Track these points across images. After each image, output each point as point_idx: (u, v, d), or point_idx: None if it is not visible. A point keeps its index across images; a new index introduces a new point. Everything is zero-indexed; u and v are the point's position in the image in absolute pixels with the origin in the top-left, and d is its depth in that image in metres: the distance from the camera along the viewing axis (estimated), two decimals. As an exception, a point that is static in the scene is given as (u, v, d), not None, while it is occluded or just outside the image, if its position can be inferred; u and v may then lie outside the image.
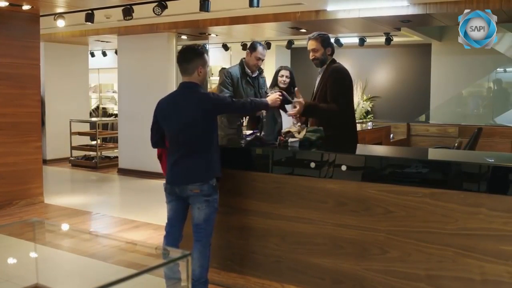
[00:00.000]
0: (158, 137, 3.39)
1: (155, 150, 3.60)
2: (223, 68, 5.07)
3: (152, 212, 5.82)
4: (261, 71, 4.92)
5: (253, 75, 4.81)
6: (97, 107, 13.30)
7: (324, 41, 3.99)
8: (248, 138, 4.05)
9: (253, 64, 4.73)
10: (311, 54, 4.01)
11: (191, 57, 3.25)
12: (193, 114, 3.19)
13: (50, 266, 3.15)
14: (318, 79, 4.06)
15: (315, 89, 4.08)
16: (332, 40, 4.17)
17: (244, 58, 4.82)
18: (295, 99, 3.75)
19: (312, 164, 3.27)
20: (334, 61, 4.02)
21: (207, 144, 3.25)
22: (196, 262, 3.21)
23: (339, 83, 3.89)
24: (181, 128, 3.22)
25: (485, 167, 2.78)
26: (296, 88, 3.87)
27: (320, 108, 3.87)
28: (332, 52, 4.03)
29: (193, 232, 3.26)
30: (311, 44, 4.00)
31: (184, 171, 3.24)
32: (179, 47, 8.94)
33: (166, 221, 3.37)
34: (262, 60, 4.76)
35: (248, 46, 4.82)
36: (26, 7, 6.03)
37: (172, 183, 3.28)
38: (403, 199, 2.96)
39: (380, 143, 7.46)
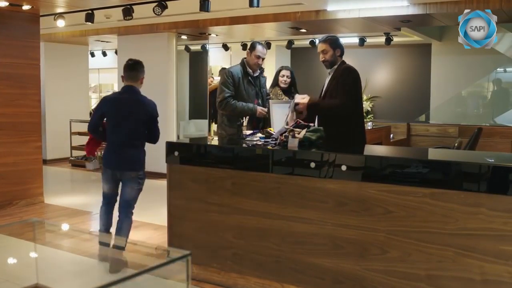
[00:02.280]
0: (99, 125, 4.14)
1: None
2: (223, 68, 5.09)
3: (152, 212, 5.82)
4: (262, 70, 4.94)
5: (255, 75, 4.83)
6: (97, 107, 13.29)
7: (332, 42, 4.09)
8: (248, 138, 4.05)
9: (254, 63, 4.76)
10: (320, 56, 4.13)
11: (140, 68, 4.10)
12: (145, 115, 4.02)
13: (50, 266, 3.15)
14: (328, 79, 4.14)
15: (324, 88, 4.17)
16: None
17: (245, 58, 4.84)
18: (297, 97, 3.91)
19: (312, 164, 3.26)
20: (344, 62, 4.13)
21: (144, 139, 4.11)
22: (126, 228, 4.17)
23: (348, 81, 3.99)
24: (135, 123, 3.99)
25: (485, 167, 2.78)
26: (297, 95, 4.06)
27: (321, 106, 4.02)
28: (342, 53, 4.13)
29: (122, 206, 4.14)
30: (321, 47, 4.14)
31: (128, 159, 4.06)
32: (179, 47, 8.95)
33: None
34: (263, 58, 4.79)
35: (248, 46, 4.87)
36: (26, 7, 6.03)
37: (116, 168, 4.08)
38: (403, 199, 2.96)
39: (380, 143, 7.46)
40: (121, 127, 4.00)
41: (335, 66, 4.10)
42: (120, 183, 4.15)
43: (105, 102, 4.13)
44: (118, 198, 4.22)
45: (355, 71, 4.07)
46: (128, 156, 4.03)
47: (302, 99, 3.96)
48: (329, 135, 3.72)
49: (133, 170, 4.05)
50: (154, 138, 4.14)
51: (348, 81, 4.00)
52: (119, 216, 4.17)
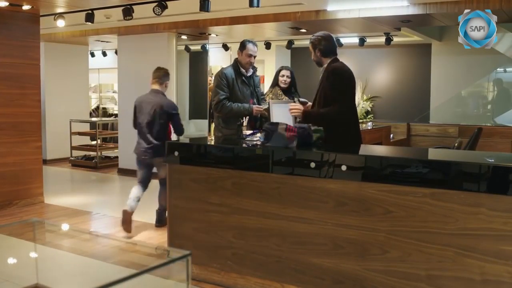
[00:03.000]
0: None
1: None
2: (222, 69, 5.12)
3: (152, 212, 5.81)
4: (255, 70, 4.91)
5: (248, 74, 4.81)
6: (97, 107, 13.31)
7: (312, 43, 4.01)
8: (248, 138, 4.05)
9: (246, 62, 4.73)
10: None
11: (166, 74, 5.25)
12: (164, 113, 5.11)
13: (50, 266, 3.15)
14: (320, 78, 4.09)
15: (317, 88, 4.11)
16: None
17: (237, 58, 4.82)
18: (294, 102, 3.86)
19: (312, 164, 3.26)
20: (334, 60, 3.98)
21: (165, 131, 5.17)
22: (164, 194, 5.03)
23: (334, 84, 3.85)
24: (157, 119, 5.10)
25: (485, 167, 2.78)
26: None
27: (315, 115, 3.91)
28: (325, 53, 3.97)
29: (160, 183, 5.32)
30: None
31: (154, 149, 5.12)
32: (179, 47, 8.95)
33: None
34: (254, 56, 4.76)
35: (239, 46, 4.82)
36: (26, 7, 6.03)
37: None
38: (403, 199, 2.96)
39: (380, 143, 7.47)
40: (146, 122, 5.09)
41: (325, 65, 3.99)
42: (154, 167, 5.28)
43: (135, 102, 5.29)
44: (149, 184, 5.32)
45: (340, 71, 3.90)
46: (153, 146, 5.09)
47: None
48: (326, 136, 3.71)
49: (159, 156, 5.01)
50: (177, 132, 5.26)
51: (334, 84, 3.85)
52: (159, 188, 5.36)
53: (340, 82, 3.87)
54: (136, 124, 5.24)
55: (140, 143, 5.17)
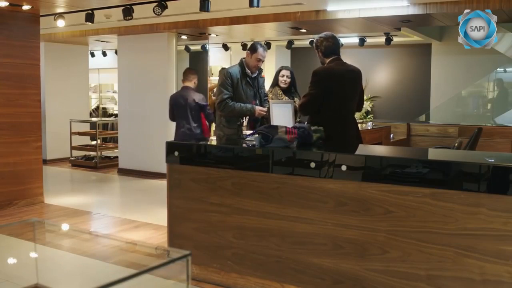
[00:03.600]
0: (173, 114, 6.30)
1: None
2: (223, 68, 5.15)
3: (152, 212, 5.83)
4: (260, 71, 4.92)
5: (253, 76, 4.82)
6: (97, 107, 13.31)
7: (315, 44, 4.14)
8: (248, 138, 4.05)
9: (254, 66, 4.73)
10: None
11: (194, 73, 6.31)
12: (196, 105, 6.10)
13: (50, 266, 3.15)
14: None
15: None
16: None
17: (244, 58, 4.81)
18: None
19: (312, 164, 3.26)
20: (334, 60, 4.05)
21: (200, 121, 6.15)
22: None
23: (310, 83, 4.03)
24: (190, 111, 6.08)
25: (485, 167, 2.78)
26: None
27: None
28: (325, 54, 4.06)
29: None
30: None
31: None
32: (179, 47, 8.95)
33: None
34: (263, 61, 4.76)
35: (248, 47, 4.82)
36: (26, 7, 6.03)
37: None
38: (403, 199, 2.96)
39: (380, 143, 7.47)
40: (182, 114, 6.08)
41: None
42: None
43: (171, 99, 6.30)
44: None
45: (316, 73, 4.01)
46: (192, 134, 6.04)
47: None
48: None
49: (195, 138, 5.87)
50: (208, 120, 6.20)
51: (310, 83, 4.03)
52: None
53: (312, 81, 4.01)
54: (173, 117, 6.24)
55: (180, 130, 6.15)
